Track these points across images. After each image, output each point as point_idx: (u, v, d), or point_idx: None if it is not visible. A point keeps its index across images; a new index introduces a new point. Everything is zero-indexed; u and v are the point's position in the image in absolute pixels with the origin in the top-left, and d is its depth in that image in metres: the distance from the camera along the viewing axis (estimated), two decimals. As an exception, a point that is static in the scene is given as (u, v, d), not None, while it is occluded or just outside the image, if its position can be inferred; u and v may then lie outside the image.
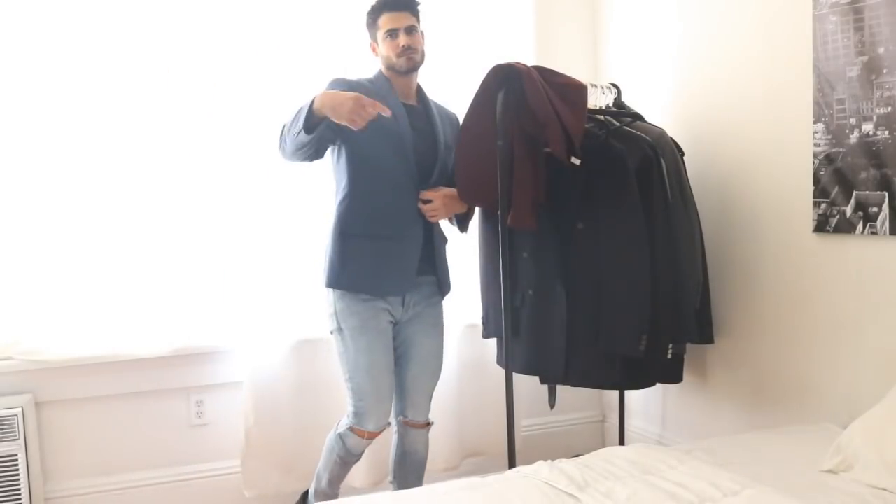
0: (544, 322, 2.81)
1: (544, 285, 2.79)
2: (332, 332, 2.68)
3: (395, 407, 2.76)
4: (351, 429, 2.65)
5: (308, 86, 3.11)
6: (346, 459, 2.72)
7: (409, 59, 2.63)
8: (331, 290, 2.64)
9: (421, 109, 2.73)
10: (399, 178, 2.61)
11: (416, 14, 2.68)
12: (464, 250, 3.16)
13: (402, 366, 2.72)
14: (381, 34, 2.64)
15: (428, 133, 2.69)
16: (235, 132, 3.06)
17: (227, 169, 3.07)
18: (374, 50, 2.70)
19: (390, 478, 2.86)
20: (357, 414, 2.63)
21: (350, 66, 3.14)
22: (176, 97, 3.02)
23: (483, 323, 3.02)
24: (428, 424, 2.80)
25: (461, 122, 2.70)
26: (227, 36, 3.04)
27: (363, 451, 2.74)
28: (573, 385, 2.90)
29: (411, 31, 2.64)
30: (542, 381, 2.98)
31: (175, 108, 3.02)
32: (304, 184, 3.08)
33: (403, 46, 2.61)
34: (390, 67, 2.66)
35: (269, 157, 3.07)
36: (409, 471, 2.80)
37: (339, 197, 2.62)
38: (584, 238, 2.74)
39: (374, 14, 2.66)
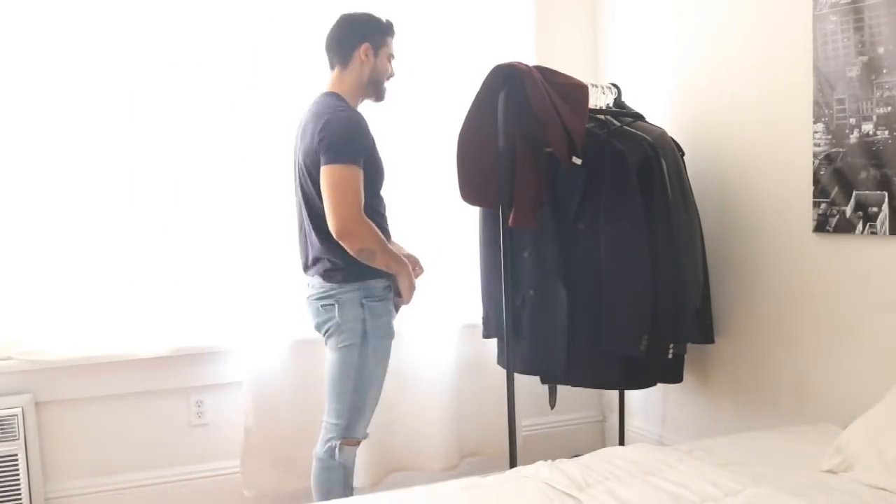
0: (545, 322, 2.81)
1: (545, 285, 2.80)
2: (345, 346, 2.54)
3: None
4: (344, 442, 2.57)
5: (308, 86, 3.13)
6: (349, 479, 2.61)
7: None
8: (354, 300, 2.53)
9: None
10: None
11: None
12: (463, 250, 3.17)
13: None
14: (385, 51, 2.64)
15: None
16: (235, 133, 3.06)
17: (227, 169, 3.07)
18: (364, 56, 2.58)
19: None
20: (350, 425, 2.56)
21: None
22: (176, 98, 3.02)
23: (483, 323, 3.02)
24: None
25: (463, 122, 2.70)
26: (226, 37, 3.04)
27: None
28: (574, 385, 2.90)
29: None
30: (543, 381, 2.99)
31: (175, 109, 3.02)
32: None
33: (394, 75, 2.68)
34: (374, 84, 2.62)
35: (269, 157, 3.09)
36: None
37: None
38: (585, 238, 2.75)
39: (381, 31, 2.63)
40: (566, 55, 3.57)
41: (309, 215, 2.58)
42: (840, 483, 1.99)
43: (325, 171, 2.42)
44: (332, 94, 2.59)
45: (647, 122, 2.99)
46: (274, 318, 3.10)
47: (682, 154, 2.96)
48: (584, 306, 2.75)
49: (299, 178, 2.61)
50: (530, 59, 3.11)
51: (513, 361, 2.76)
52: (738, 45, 2.90)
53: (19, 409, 2.84)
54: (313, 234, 2.57)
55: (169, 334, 3.05)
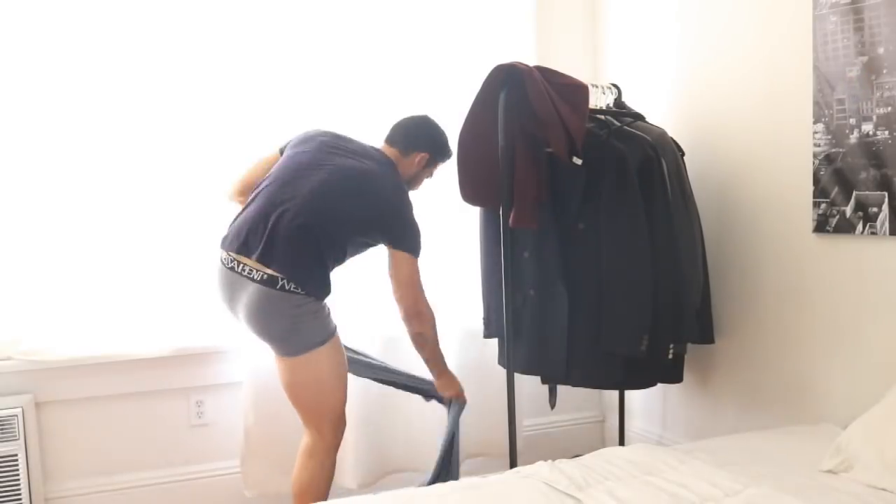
0: (546, 322, 2.81)
1: (546, 285, 2.80)
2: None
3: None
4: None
5: (306, 86, 3.14)
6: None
7: None
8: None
9: None
10: None
11: None
12: (464, 252, 3.17)
13: None
14: (428, 171, 2.85)
15: None
16: (234, 133, 3.06)
17: (226, 169, 3.06)
18: (417, 161, 2.79)
19: None
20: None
21: (347, 68, 3.16)
22: (176, 98, 3.01)
23: (484, 323, 3.02)
24: None
25: (463, 122, 2.70)
26: (226, 37, 3.04)
27: None
28: (574, 385, 2.90)
29: None
30: (544, 381, 2.98)
31: (174, 109, 3.02)
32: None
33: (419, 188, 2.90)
34: (411, 184, 2.82)
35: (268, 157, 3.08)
36: None
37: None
38: (586, 238, 2.74)
39: (442, 155, 2.85)
40: (566, 55, 3.57)
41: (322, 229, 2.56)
42: (840, 483, 2.00)
43: (403, 259, 2.63)
44: (396, 170, 2.76)
45: (646, 122, 2.99)
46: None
47: (682, 154, 2.96)
48: (584, 306, 2.75)
49: (328, 194, 2.55)
50: (530, 59, 3.11)
51: (513, 361, 2.76)
52: (738, 45, 2.90)
53: (19, 409, 2.84)
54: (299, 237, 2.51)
55: (169, 334, 3.05)
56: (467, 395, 3.32)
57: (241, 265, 2.51)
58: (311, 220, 2.51)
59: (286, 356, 2.57)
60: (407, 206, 2.67)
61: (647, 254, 2.69)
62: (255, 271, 2.49)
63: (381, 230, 2.64)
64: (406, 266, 2.63)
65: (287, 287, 2.47)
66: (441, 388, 2.83)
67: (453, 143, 2.77)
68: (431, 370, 2.81)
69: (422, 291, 2.67)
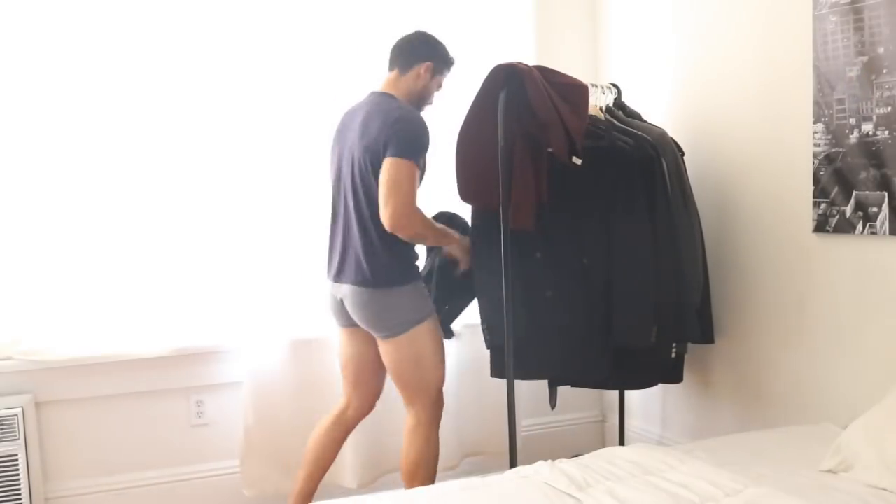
0: (566, 322, 2.79)
1: (561, 286, 2.78)
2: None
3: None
4: None
5: (307, 86, 3.14)
6: None
7: None
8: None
9: None
10: None
11: None
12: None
13: None
14: (438, 80, 2.80)
15: None
16: (234, 133, 3.06)
17: (227, 169, 3.07)
18: (423, 71, 2.74)
19: None
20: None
21: (347, 68, 3.16)
22: (175, 98, 3.02)
23: (487, 332, 2.89)
24: None
25: (463, 122, 2.70)
26: (226, 37, 3.04)
27: None
28: (574, 385, 2.90)
29: None
30: (551, 383, 2.97)
31: (175, 110, 3.02)
32: (303, 184, 3.10)
33: (432, 104, 2.84)
34: (419, 101, 2.77)
35: (268, 157, 3.09)
36: None
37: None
38: (592, 237, 2.75)
39: (446, 61, 2.80)
40: (566, 55, 3.57)
41: (369, 209, 2.63)
42: (840, 483, 2.00)
43: (389, 164, 2.53)
44: (390, 96, 2.70)
45: (646, 122, 2.99)
46: (274, 319, 3.10)
47: (682, 154, 2.96)
48: (593, 305, 2.75)
49: (356, 174, 2.65)
50: (530, 59, 3.11)
51: (511, 360, 2.75)
52: (738, 44, 2.90)
53: (19, 409, 2.84)
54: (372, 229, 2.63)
55: (169, 334, 3.05)
56: (467, 395, 3.34)
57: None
58: (357, 214, 2.65)
59: (388, 338, 2.68)
60: (403, 117, 2.60)
61: (649, 252, 2.70)
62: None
63: (379, 154, 2.58)
64: (390, 170, 2.54)
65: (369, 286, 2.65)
66: (465, 252, 2.85)
67: (452, 143, 2.76)
68: (452, 250, 2.85)
69: (407, 199, 2.54)
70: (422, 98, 2.78)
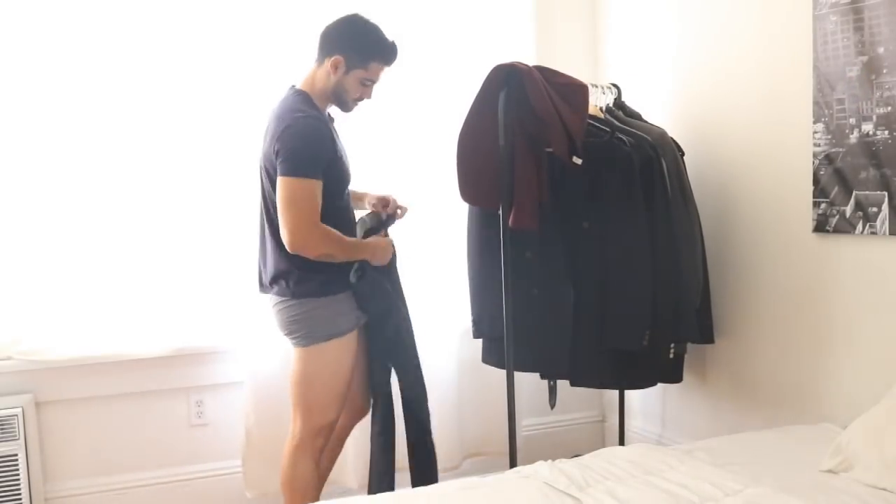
0: (550, 321, 2.80)
1: (551, 284, 2.79)
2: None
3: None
4: None
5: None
6: None
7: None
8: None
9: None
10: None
11: None
12: (463, 250, 3.16)
13: None
14: (360, 73, 2.50)
15: None
16: (234, 133, 3.05)
17: (227, 170, 3.07)
18: (332, 67, 2.47)
19: None
20: None
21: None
22: (175, 99, 3.01)
23: (475, 324, 3.01)
24: None
25: (463, 122, 2.70)
26: (226, 37, 3.04)
27: None
28: (574, 384, 2.90)
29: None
30: (543, 377, 2.98)
31: (174, 110, 3.02)
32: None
33: (365, 99, 2.58)
34: (337, 99, 2.52)
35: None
36: None
37: None
38: (590, 237, 2.75)
39: (368, 53, 2.49)
40: (566, 55, 3.56)
41: (268, 221, 2.50)
42: (840, 483, 2.00)
43: (280, 183, 2.36)
44: (299, 94, 2.49)
45: (646, 122, 2.99)
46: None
47: (682, 154, 2.96)
48: (586, 305, 2.75)
49: (263, 181, 2.51)
50: (530, 59, 3.10)
51: (511, 361, 2.75)
52: (739, 45, 2.90)
53: (19, 409, 2.84)
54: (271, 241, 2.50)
55: (169, 334, 3.05)
56: (467, 395, 3.32)
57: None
58: (269, 224, 2.51)
59: (294, 346, 2.57)
60: (291, 127, 2.37)
61: (648, 253, 2.70)
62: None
63: (274, 165, 2.39)
64: (282, 190, 2.35)
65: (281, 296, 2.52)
66: (381, 257, 2.54)
67: (452, 143, 2.75)
68: (368, 257, 2.51)
69: (302, 220, 2.32)
70: (337, 97, 2.51)
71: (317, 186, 2.37)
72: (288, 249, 2.38)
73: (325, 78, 2.49)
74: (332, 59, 2.46)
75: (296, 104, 2.45)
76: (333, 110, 2.65)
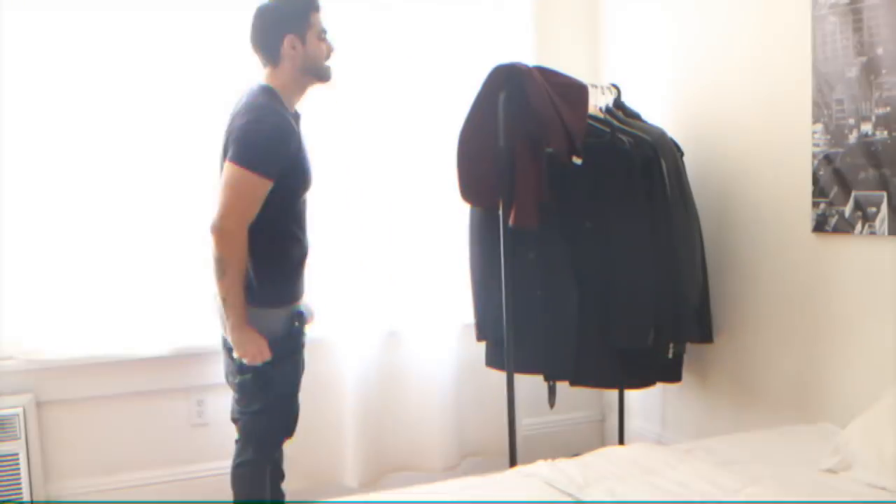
0: (554, 322, 2.80)
1: (555, 285, 2.79)
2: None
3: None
4: None
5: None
6: None
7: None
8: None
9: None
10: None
11: None
12: (462, 250, 3.16)
13: None
14: (313, 33, 2.39)
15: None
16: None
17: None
18: (291, 48, 2.37)
19: None
20: None
21: (347, 68, 3.15)
22: (175, 99, 3.01)
23: (478, 326, 2.98)
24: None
25: (463, 123, 2.70)
26: (223, 42, 3.03)
27: None
28: (574, 385, 2.90)
29: None
30: (546, 379, 2.98)
31: (174, 111, 3.02)
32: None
33: (333, 49, 2.45)
34: (313, 71, 2.42)
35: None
36: None
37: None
38: (593, 237, 2.75)
39: (300, 12, 2.39)
40: (566, 55, 3.56)
41: None
42: (839, 482, 2.00)
43: (228, 168, 2.27)
44: (266, 90, 2.39)
45: (646, 122, 2.99)
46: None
47: (682, 154, 2.96)
48: (589, 305, 2.76)
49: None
50: (530, 60, 3.11)
51: (512, 362, 2.76)
52: (738, 45, 2.90)
53: (20, 409, 2.84)
54: None
55: (169, 334, 3.05)
56: (467, 394, 3.32)
57: None
58: None
59: None
60: (257, 121, 2.29)
61: (648, 252, 2.71)
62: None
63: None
64: (227, 173, 2.27)
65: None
66: (237, 347, 2.33)
67: (453, 143, 2.76)
68: (226, 315, 2.32)
69: (236, 207, 2.24)
70: (314, 67, 2.42)
71: (263, 186, 2.27)
72: (209, 227, 2.29)
73: (289, 68, 2.39)
74: (284, 43, 2.36)
75: (264, 100, 2.37)
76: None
